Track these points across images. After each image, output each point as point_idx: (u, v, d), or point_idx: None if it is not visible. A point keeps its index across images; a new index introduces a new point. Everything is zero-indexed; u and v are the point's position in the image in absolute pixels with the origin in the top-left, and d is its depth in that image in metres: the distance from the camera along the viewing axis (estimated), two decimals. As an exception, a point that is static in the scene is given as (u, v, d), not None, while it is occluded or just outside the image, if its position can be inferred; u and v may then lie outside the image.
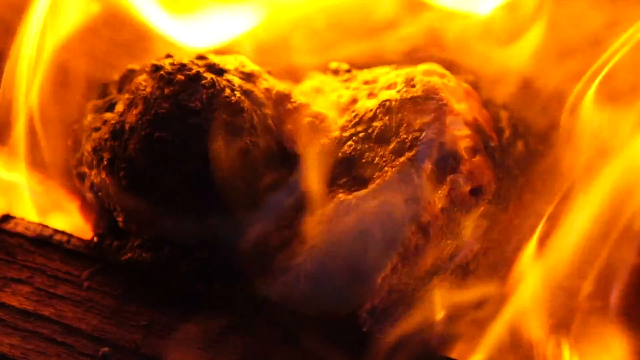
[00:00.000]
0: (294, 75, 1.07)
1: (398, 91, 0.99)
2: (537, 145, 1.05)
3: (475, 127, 0.99)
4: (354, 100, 1.02)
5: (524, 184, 1.03)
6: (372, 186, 0.95)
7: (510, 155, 1.03)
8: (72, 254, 1.02)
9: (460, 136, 0.97)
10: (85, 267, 1.01)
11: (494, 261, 1.01)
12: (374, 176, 0.95)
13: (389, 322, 0.95)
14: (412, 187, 0.94)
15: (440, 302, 0.97)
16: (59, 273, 1.00)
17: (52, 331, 0.96)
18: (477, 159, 0.97)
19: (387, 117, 0.97)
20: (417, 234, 0.93)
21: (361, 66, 1.08)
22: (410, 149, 0.95)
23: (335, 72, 1.08)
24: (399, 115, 0.97)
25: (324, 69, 1.08)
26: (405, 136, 0.96)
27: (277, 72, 1.05)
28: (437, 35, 1.10)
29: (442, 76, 1.01)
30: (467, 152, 0.97)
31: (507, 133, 1.04)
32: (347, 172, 0.97)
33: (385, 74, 1.04)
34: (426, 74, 1.01)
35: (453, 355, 0.98)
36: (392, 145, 0.96)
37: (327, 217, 0.94)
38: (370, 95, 1.02)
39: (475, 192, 0.97)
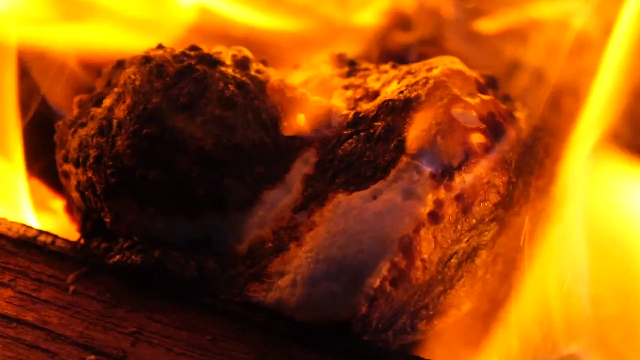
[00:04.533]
0: (293, 63, 1.02)
1: (401, 92, 0.94)
2: (555, 147, 1.00)
3: (491, 123, 0.94)
4: (356, 97, 0.98)
5: (539, 187, 0.98)
6: (373, 186, 0.91)
7: (527, 156, 0.98)
8: (57, 256, 0.98)
9: (471, 129, 0.92)
10: (71, 270, 0.97)
11: (504, 267, 0.96)
12: (376, 176, 0.91)
13: (388, 330, 0.91)
14: (414, 186, 0.89)
15: (446, 310, 0.93)
16: (43, 276, 0.97)
17: (35, 337, 0.92)
18: (490, 157, 0.92)
19: (390, 118, 0.93)
20: (420, 235, 0.89)
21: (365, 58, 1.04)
22: (411, 145, 0.91)
23: (338, 61, 1.03)
24: (402, 114, 0.93)
25: (324, 56, 1.04)
26: (406, 133, 0.92)
27: (274, 60, 1.01)
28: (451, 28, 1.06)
29: (451, 69, 0.96)
30: (480, 148, 0.92)
31: (524, 132, 0.99)
32: (347, 170, 0.93)
33: (390, 69, 1.00)
34: (433, 67, 0.97)
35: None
36: (393, 144, 0.92)
37: (325, 217, 0.90)
38: (374, 92, 0.98)
39: (486, 193, 0.92)
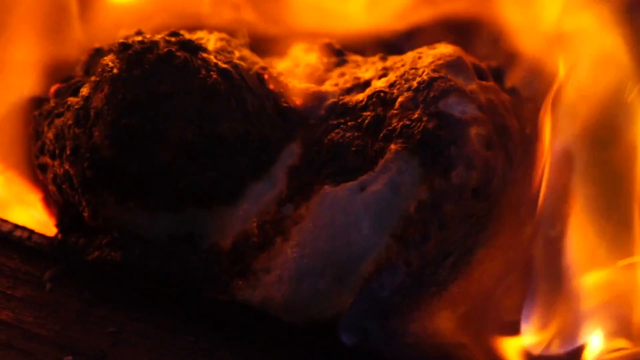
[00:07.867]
0: (277, 48, 1.01)
1: (393, 83, 0.92)
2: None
3: (490, 112, 0.91)
4: (346, 87, 0.96)
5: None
6: (360, 177, 0.88)
7: (529, 152, 0.94)
8: (34, 252, 0.97)
9: (468, 119, 0.89)
10: (48, 266, 0.96)
11: (501, 268, 0.93)
12: (363, 166, 0.89)
13: (378, 331, 0.88)
14: (403, 178, 0.87)
15: (439, 312, 0.90)
16: (19, 273, 0.96)
17: (9, 337, 0.91)
18: (490, 151, 0.89)
19: (380, 108, 0.91)
20: (410, 230, 0.86)
21: (356, 46, 1.02)
22: (401, 135, 0.88)
23: (326, 50, 1.01)
24: (393, 104, 0.90)
25: (311, 44, 1.01)
26: (396, 123, 0.89)
27: (258, 44, 0.99)
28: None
29: (446, 56, 0.93)
30: (477, 140, 0.89)
31: (529, 128, 0.96)
32: (333, 161, 0.90)
33: (378, 60, 0.98)
34: (427, 55, 0.94)
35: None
36: (382, 133, 0.90)
37: (312, 210, 0.88)
38: (365, 82, 0.95)
39: (481, 187, 0.89)
